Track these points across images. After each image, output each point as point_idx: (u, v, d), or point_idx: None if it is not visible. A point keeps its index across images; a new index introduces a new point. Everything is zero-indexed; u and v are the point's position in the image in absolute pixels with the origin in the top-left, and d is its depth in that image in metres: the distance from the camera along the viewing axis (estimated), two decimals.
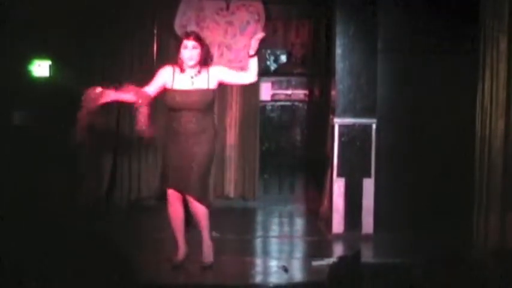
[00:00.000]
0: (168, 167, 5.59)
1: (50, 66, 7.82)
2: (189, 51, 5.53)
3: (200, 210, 5.58)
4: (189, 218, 5.74)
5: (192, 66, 5.55)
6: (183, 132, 5.52)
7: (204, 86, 5.54)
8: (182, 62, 5.56)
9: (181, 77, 5.56)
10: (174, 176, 5.56)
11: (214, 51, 8.19)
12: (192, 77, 5.55)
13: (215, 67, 5.69)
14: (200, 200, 5.56)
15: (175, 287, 5.40)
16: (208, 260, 5.66)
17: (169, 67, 5.64)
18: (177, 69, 5.59)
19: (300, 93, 8.66)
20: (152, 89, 5.59)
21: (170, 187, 5.61)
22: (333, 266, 3.19)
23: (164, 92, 5.60)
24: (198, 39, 5.59)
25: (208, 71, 5.59)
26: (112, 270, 2.49)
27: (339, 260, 3.25)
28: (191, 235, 5.77)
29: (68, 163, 7.96)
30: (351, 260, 3.11)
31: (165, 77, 5.59)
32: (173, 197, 5.62)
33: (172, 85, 5.56)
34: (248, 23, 8.27)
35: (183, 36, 5.67)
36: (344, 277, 2.99)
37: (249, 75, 5.63)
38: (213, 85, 5.59)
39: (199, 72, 5.56)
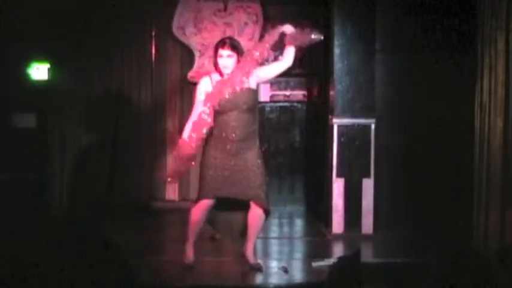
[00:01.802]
0: (217, 174, 5.42)
1: (48, 69, 7.83)
2: (225, 60, 5.42)
3: (260, 216, 5.54)
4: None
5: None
6: (232, 136, 5.39)
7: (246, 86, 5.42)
8: (220, 69, 5.48)
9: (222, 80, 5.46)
10: (226, 183, 5.42)
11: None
12: None
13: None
14: (264, 206, 5.50)
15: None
16: (255, 261, 5.64)
17: (206, 77, 5.54)
18: (214, 75, 5.50)
19: (299, 93, 8.66)
20: (205, 108, 5.38)
21: (223, 195, 5.46)
22: (332, 267, 3.18)
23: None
24: (233, 47, 5.45)
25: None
26: (113, 272, 2.48)
27: (338, 260, 3.24)
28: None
29: (66, 164, 7.97)
30: (350, 260, 3.10)
31: (207, 88, 5.44)
32: (206, 204, 5.50)
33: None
34: (246, 24, 8.27)
35: (218, 45, 5.49)
36: (344, 277, 2.99)
37: (285, 61, 5.49)
38: (253, 85, 5.49)
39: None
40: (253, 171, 5.46)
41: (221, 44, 5.51)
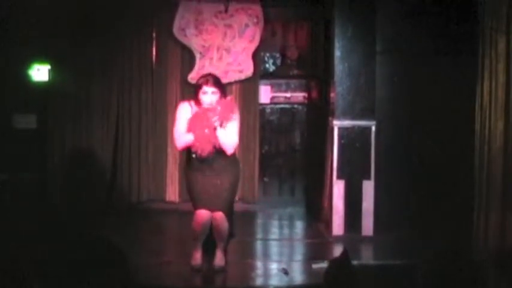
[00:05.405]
0: (197, 192, 5.69)
1: (49, 70, 7.84)
2: (209, 96, 5.60)
3: (224, 226, 5.69)
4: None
5: None
6: (207, 160, 5.60)
7: None
8: (202, 104, 5.62)
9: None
10: (204, 199, 5.64)
11: (213, 54, 8.20)
12: None
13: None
14: (227, 217, 5.68)
15: None
16: (221, 264, 5.72)
17: (186, 103, 5.75)
18: (194, 104, 5.68)
19: (299, 95, 8.65)
20: (184, 129, 5.62)
21: (202, 208, 5.67)
22: (326, 270, 3.19)
23: None
24: (216, 83, 5.66)
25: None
26: (113, 272, 2.49)
27: (330, 263, 3.25)
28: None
29: (66, 166, 7.98)
30: (340, 261, 3.10)
31: (187, 113, 5.65)
32: (203, 214, 5.67)
33: None
34: (247, 25, 8.27)
35: (202, 82, 5.67)
36: (338, 279, 2.98)
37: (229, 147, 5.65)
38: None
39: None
40: (225, 187, 5.67)
41: (205, 81, 5.68)
